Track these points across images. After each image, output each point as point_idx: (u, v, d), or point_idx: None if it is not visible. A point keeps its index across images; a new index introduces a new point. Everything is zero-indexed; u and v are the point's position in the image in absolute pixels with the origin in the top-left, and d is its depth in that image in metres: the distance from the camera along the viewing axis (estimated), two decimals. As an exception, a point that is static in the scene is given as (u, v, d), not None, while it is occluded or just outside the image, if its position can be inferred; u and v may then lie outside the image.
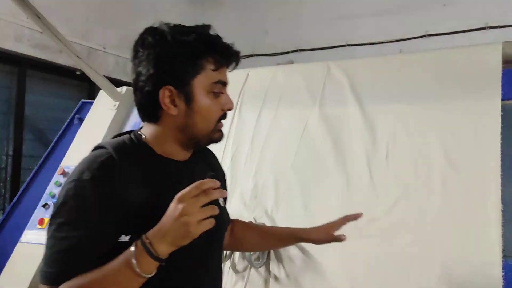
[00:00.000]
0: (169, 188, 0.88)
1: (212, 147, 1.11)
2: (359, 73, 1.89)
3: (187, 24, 1.02)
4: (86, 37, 3.65)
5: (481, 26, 3.48)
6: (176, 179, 0.97)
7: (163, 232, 0.79)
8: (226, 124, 2.03)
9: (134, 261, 0.78)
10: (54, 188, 2.16)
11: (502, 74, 1.58)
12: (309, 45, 4.11)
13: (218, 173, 1.16)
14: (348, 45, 4.01)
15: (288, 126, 1.88)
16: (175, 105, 0.95)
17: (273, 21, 4.18)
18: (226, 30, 1.05)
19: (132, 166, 0.92)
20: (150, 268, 0.80)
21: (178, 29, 0.97)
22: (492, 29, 3.45)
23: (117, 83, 2.78)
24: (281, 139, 1.86)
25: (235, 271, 1.65)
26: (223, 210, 1.11)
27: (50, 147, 2.50)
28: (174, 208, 0.79)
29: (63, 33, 2.12)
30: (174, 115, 0.96)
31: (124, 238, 0.86)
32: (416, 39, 3.71)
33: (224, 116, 1.01)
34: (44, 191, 2.18)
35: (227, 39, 1.00)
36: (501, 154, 1.44)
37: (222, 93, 1.00)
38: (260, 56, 4.23)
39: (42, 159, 2.47)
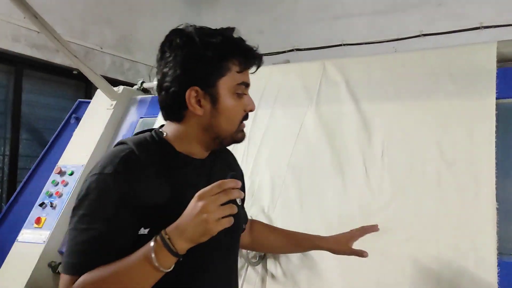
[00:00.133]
0: (188, 184, 0.91)
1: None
2: (355, 72, 1.90)
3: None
4: (83, 37, 3.65)
5: (476, 26, 3.50)
6: (194, 176, 1.00)
7: (182, 228, 0.81)
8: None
9: (153, 255, 0.80)
10: (51, 187, 2.16)
11: (497, 73, 1.59)
12: (305, 44, 4.12)
13: (237, 173, 1.18)
14: (344, 44, 4.02)
15: (285, 125, 1.89)
16: (200, 106, 0.97)
17: (268, 21, 4.19)
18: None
19: (153, 162, 0.94)
20: (168, 263, 0.81)
21: (204, 31, 0.99)
22: (486, 29, 3.47)
23: (114, 82, 2.79)
24: (278, 137, 1.87)
25: (233, 269, 1.66)
26: (240, 210, 1.13)
27: (46, 146, 2.50)
28: (194, 205, 0.81)
29: (60, 32, 2.13)
30: (199, 115, 0.98)
31: (143, 231, 0.89)
32: (411, 39, 3.73)
33: (246, 117, 1.04)
34: (41, 190, 2.18)
35: None
36: (495, 152, 1.46)
37: (245, 94, 1.03)
38: (257, 56, 4.22)
39: (38, 158, 2.47)
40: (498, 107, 1.53)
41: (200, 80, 0.96)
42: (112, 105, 2.40)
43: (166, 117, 1.03)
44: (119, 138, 2.32)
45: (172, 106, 1.00)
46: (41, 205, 2.10)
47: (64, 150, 2.31)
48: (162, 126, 1.06)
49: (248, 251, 1.57)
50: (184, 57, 0.96)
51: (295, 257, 1.59)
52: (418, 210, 1.49)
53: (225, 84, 0.98)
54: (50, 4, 3.21)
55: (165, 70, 0.98)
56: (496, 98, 1.55)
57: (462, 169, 1.49)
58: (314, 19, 4.19)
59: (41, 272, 1.94)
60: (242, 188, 1.14)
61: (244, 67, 1.00)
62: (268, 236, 1.37)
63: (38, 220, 2.05)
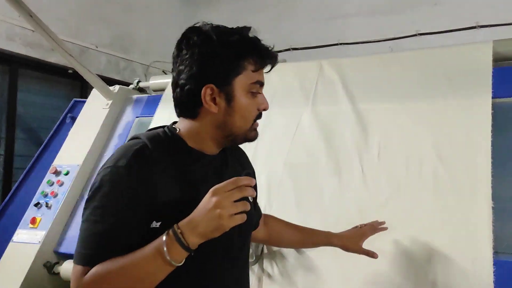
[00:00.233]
0: (199, 179, 0.92)
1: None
2: (351, 71, 1.90)
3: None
4: (79, 36, 3.63)
5: (472, 25, 3.51)
6: (206, 171, 1.01)
7: (195, 223, 0.81)
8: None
9: (165, 249, 0.80)
10: (46, 187, 2.15)
11: (493, 72, 1.60)
12: (301, 44, 4.12)
13: (250, 173, 1.21)
14: (340, 44, 4.03)
15: (281, 124, 1.89)
16: (215, 103, 0.98)
17: (265, 20, 4.19)
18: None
19: (165, 156, 0.95)
20: (180, 257, 0.82)
21: (221, 30, 1.00)
22: (482, 28, 3.48)
23: (110, 81, 2.77)
24: (274, 137, 1.87)
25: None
26: (252, 210, 1.14)
27: (42, 146, 2.49)
28: (208, 200, 0.82)
29: (55, 31, 2.11)
30: (213, 112, 0.98)
31: (155, 224, 0.90)
32: (407, 38, 3.74)
33: (259, 116, 1.05)
34: (36, 190, 2.16)
35: None
36: (491, 151, 1.46)
37: (259, 93, 1.04)
38: (253, 55, 4.22)
39: (34, 158, 2.46)
40: (494, 106, 1.54)
41: (215, 78, 0.97)
42: (107, 104, 2.39)
43: (179, 114, 1.05)
44: (115, 138, 2.32)
45: (187, 103, 1.00)
46: (36, 205, 2.09)
47: (59, 149, 2.30)
48: (175, 122, 1.07)
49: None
50: (200, 55, 0.97)
51: (291, 256, 1.59)
52: (415, 209, 1.49)
53: (240, 83, 0.99)
54: (45, 3, 3.20)
55: (181, 67, 0.99)
56: (492, 97, 1.56)
57: (458, 168, 1.49)
58: (310, 19, 4.19)
59: (37, 272, 1.93)
60: (254, 186, 1.17)
61: (260, 66, 1.01)
62: (283, 231, 1.41)
63: (33, 220, 2.04)
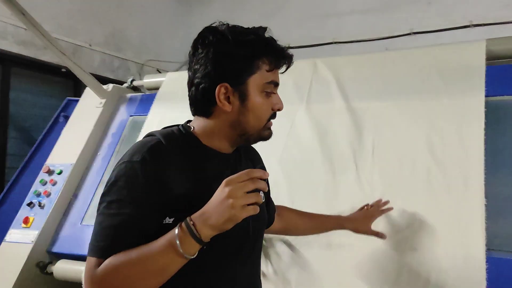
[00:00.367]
0: (213, 176, 0.93)
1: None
2: (346, 70, 1.90)
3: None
4: (72, 34, 3.60)
5: (466, 24, 3.52)
6: (219, 169, 1.02)
7: (208, 215, 0.82)
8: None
9: (177, 241, 0.81)
10: (39, 186, 2.14)
11: (486, 71, 1.61)
12: (296, 42, 4.11)
13: (262, 165, 1.25)
14: (335, 42, 4.03)
15: (275, 122, 1.87)
16: (229, 102, 0.99)
17: (259, 19, 4.16)
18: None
19: (179, 153, 0.97)
20: (192, 250, 0.82)
21: (237, 30, 1.01)
22: (476, 27, 3.49)
23: (104, 80, 2.76)
24: (269, 135, 1.86)
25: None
26: (263, 209, 1.16)
27: (35, 145, 2.48)
28: (221, 191, 0.82)
29: (48, 29, 2.10)
30: (227, 111, 0.99)
31: (168, 220, 0.90)
32: (402, 37, 3.74)
33: (273, 116, 1.06)
34: (29, 189, 2.15)
35: None
36: (484, 149, 1.47)
37: (274, 93, 1.05)
38: (248, 54, 4.21)
39: (27, 157, 2.45)
40: (487, 104, 1.55)
41: (230, 77, 0.98)
42: (101, 103, 2.38)
43: (194, 113, 1.06)
44: (109, 137, 2.31)
45: (202, 102, 1.01)
46: (29, 204, 2.08)
47: (52, 149, 2.29)
48: (189, 121, 1.08)
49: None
50: (215, 54, 0.98)
51: (286, 255, 1.59)
52: (408, 206, 1.50)
53: (255, 82, 0.99)
54: (38, 1, 3.17)
55: (196, 66, 1.01)
56: (485, 96, 1.56)
57: (452, 166, 1.50)
58: (305, 17, 4.18)
59: (29, 272, 1.92)
60: (266, 183, 1.19)
61: (274, 66, 1.02)
62: (297, 221, 1.43)
63: (26, 220, 2.03)
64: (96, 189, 2.12)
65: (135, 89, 2.62)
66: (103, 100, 2.38)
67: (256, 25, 1.05)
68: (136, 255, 0.84)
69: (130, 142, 2.18)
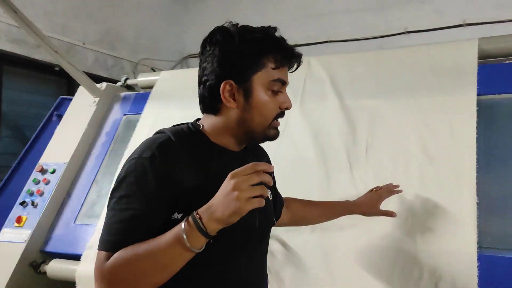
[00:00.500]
0: (221, 173, 0.92)
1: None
2: (339, 68, 1.91)
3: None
4: (65, 32, 3.58)
5: (459, 23, 3.55)
6: (227, 166, 1.00)
7: (214, 208, 0.82)
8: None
9: (184, 235, 0.81)
10: (32, 185, 2.13)
11: (478, 69, 1.62)
12: (290, 41, 4.11)
13: (268, 159, 1.25)
14: (330, 41, 4.04)
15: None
16: (234, 99, 1.00)
17: (254, 18, 4.18)
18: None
19: (188, 150, 0.98)
20: (199, 244, 0.83)
21: (245, 29, 1.02)
22: (469, 26, 3.52)
23: (98, 79, 2.75)
24: (263, 134, 1.87)
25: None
26: (270, 207, 1.16)
27: (28, 144, 2.46)
28: (226, 183, 0.83)
29: (40, 28, 2.09)
30: (232, 108, 1.01)
31: (176, 216, 0.92)
32: (396, 36, 3.76)
33: (281, 115, 1.05)
34: (22, 189, 2.14)
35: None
36: (476, 148, 1.48)
37: (281, 92, 1.04)
38: (242, 52, 4.21)
39: (20, 156, 2.43)
40: (479, 103, 1.56)
41: (234, 74, 0.99)
42: (95, 102, 2.37)
43: (203, 110, 1.07)
44: (102, 136, 2.31)
45: (209, 99, 1.03)
46: (22, 203, 2.07)
47: (45, 147, 2.28)
48: (199, 119, 1.10)
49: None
50: (221, 52, 1.00)
51: (280, 253, 1.60)
52: (401, 204, 1.50)
53: (259, 80, 1.00)
54: (30, -1, 3.15)
55: (204, 64, 1.03)
56: (477, 95, 1.57)
57: (444, 164, 1.51)
58: (300, 16, 4.19)
59: (22, 272, 1.92)
60: (273, 183, 1.25)
61: (280, 64, 1.02)
62: (305, 211, 1.43)
63: (19, 219, 2.02)
64: (90, 188, 2.11)
65: (129, 87, 2.61)
66: (97, 99, 2.37)
67: (251, 24, 1.05)
68: (144, 249, 0.85)
69: (124, 141, 2.18)
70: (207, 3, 4.77)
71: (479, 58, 1.66)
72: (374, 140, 1.68)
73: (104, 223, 0.92)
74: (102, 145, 2.27)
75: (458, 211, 1.41)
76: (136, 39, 4.32)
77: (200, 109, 1.08)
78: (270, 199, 1.16)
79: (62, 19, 3.57)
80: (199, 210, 0.83)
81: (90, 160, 2.22)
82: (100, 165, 2.18)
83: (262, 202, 0.82)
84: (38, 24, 2.07)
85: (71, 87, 3.60)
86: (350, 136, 1.72)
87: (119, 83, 2.59)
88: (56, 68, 3.37)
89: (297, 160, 1.76)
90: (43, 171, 2.16)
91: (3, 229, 2.01)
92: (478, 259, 1.32)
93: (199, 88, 1.06)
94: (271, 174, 1.27)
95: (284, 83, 1.04)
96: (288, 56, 1.03)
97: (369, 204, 1.40)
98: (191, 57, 4.84)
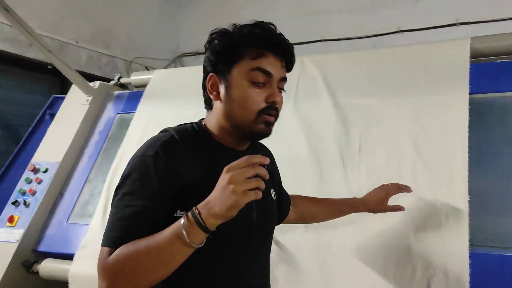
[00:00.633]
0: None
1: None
2: (332, 67, 1.91)
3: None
4: (58, 31, 3.55)
5: (452, 22, 3.56)
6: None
7: (212, 203, 0.82)
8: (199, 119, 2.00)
9: (183, 231, 0.82)
10: (24, 185, 2.12)
11: (470, 68, 1.63)
12: (284, 40, 4.12)
13: (273, 169, 1.24)
14: (323, 40, 4.04)
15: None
16: (218, 92, 1.02)
17: (248, 16, 4.16)
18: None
19: (191, 148, 0.99)
20: (199, 239, 0.83)
21: (234, 25, 1.04)
22: (462, 25, 3.53)
23: (91, 78, 2.73)
24: (256, 133, 1.87)
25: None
26: (274, 206, 1.15)
27: (20, 143, 2.45)
28: (222, 177, 0.83)
29: (33, 26, 2.08)
30: (217, 101, 1.03)
31: (179, 213, 0.93)
32: (389, 35, 3.77)
33: (269, 109, 1.00)
34: (14, 188, 2.13)
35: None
36: (468, 146, 1.49)
37: (267, 84, 1.00)
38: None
39: (12, 155, 2.42)
40: (471, 102, 1.57)
41: (216, 67, 1.02)
42: (87, 100, 2.36)
43: (205, 107, 1.10)
44: (96, 135, 2.30)
45: (204, 95, 1.08)
46: (14, 203, 2.06)
47: (38, 146, 2.26)
48: (203, 119, 1.11)
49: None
50: (209, 49, 1.04)
51: (273, 252, 1.58)
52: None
53: (239, 70, 1.00)
54: (22, -3, 3.12)
55: (203, 64, 1.08)
56: (469, 93, 1.58)
57: (436, 162, 1.52)
58: (293, 15, 4.19)
59: (15, 271, 1.91)
60: (279, 182, 1.28)
61: (259, 53, 0.99)
62: (311, 209, 1.43)
63: (11, 219, 2.01)
64: (83, 187, 2.10)
65: (123, 86, 2.60)
66: (90, 98, 2.36)
67: (245, 23, 1.04)
68: (144, 245, 0.85)
69: (117, 140, 2.17)
70: (201, 1, 4.76)
71: (472, 57, 1.67)
72: (367, 139, 1.68)
73: (108, 219, 0.94)
74: (95, 144, 2.26)
75: (451, 209, 1.42)
76: (130, 38, 4.29)
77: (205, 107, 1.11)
78: (274, 198, 1.16)
79: (55, 17, 3.54)
80: (198, 206, 0.84)
81: (83, 159, 2.22)
82: (93, 164, 2.17)
83: (259, 194, 0.82)
84: (30, 22, 2.05)
85: (64, 85, 3.57)
86: (343, 134, 1.73)
87: (112, 82, 2.58)
88: (49, 67, 3.34)
89: (290, 158, 1.76)
90: (35, 170, 2.15)
91: (-5, 229, 2.00)
92: (470, 257, 1.33)
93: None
94: (275, 172, 1.28)
95: (267, 73, 0.99)
96: (268, 44, 1.00)
97: (376, 201, 1.38)
98: (185, 55, 4.82)
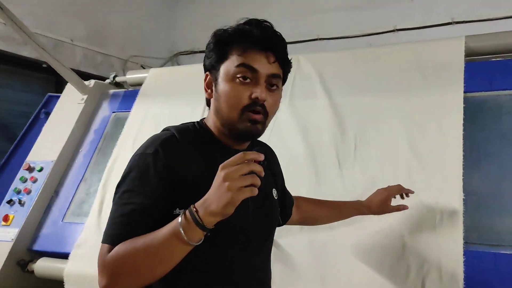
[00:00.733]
0: None
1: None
2: (328, 66, 1.91)
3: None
4: (52, 29, 3.53)
5: (448, 21, 3.57)
6: None
7: (209, 201, 0.82)
8: (196, 118, 2.01)
9: (181, 228, 0.82)
10: (19, 184, 2.11)
11: (465, 67, 1.63)
12: (280, 38, 4.12)
13: (274, 168, 1.24)
14: (319, 39, 4.05)
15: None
16: (212, 90, 1.05)
17: (244, 15, 4.17)
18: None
19: (191, 147, 1.01)
20: (196, 237, 0.83)
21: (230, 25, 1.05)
22: (458, 24, 3.55)
23: (87, 76, 2.72)
24: (252, 132, 1.86)
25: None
26: (275, 205, 1.15)
27: (15, 142, 2.44)
28: (217, 175, 0.83)
29: (27, 24, 2.07)
30: (210, 98, 1.06)
31: (178, 211, 0.93)
32: (385, 34, 3.78)
33: (252, 106, 0.98)
34: (9, 187, 2.12)
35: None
36: (463, 145, 1.49)
37: (253, 81, 0.98)
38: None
39: (7, 154, 2.41)
40: (465, 100, 1.57)
41: (208, 65, 1.05)
42: (83, 99, 2.35)
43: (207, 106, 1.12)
44: (91, 133, 2.29)
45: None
46: (9, 202, 2.05)
47: (33, 145, 2.25)
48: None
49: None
50: (205, 50, 1.07)
51: (269, 250, 1.60)
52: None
53: (226, 68, 1.00)
54: (17, -5, 3.10)
55: None
56: (464, 92, 1.59)
57: (431, 161, 1.52)
58: (289, 13, 4.19)
59: (10, 270, 1.90)
60: (281, 183, 1.28)
61: (244, 49, 0.98)
62: (316, 211, 1.43)
63: (6, 218, 2.00)
64: (78, 186, 2.10)
65: (118, 85, 2.59)
66: (85, 96, 2.35)
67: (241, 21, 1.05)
68: (142, 242, 0.86)
69: (113, 139, 2.17)
70: (194, 2, 4.75)
71: (466, 55, 1.67)
72: (363, 138, 1.68)
73: (109, 217, 0.94)
74: (90, 143, 2.25)
75: (445, 207, 1.43)
76: (125, 36, 4.28)
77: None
78: (276, 198, 1.15)
79: (50, 15, 3.53)
80: (196, 204, 0.84)
81: (78, 158, 2.21)
82: (89, 163, 2.16)
83: (255, 191, 0.81)
84: (25, 20, 2.04)
85: (59, 84, 3.55)
86: (338, 133, 1.73)
87: (107, 80, 2.58)
88: (44, 65, 3.33)
89: (285, 157, 1.73)
90: (30, 169, 2.14)
91: (-10, 228, 1.99)
92: (464, 255, 1.34)
93: None
94: (278, 172, 1.27)
95: (252, 69, 0.97)
96: (254, 40, 0.98)
97: (379, 203, 1.37)
98: (181, 54, 4.81)
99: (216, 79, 1.02)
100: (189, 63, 4.22)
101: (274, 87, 1.02)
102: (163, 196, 0.93)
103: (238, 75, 0.98)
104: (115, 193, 0.96)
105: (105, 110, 2.38)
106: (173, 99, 2.17)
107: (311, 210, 1.41)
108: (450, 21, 3.60)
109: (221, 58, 1.01)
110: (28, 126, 2.47)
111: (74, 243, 1.85)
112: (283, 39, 1.04)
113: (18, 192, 2.08)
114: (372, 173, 1.60)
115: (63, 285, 1.80)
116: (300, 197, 1.42)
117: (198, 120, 1.11)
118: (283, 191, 1.29)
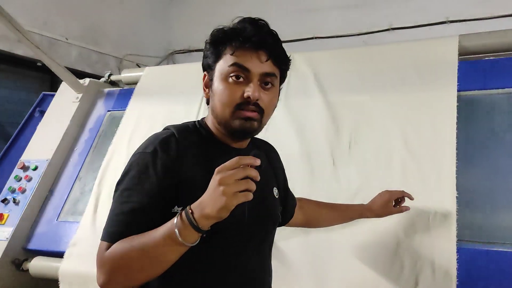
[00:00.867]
0: None
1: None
2: (323, 65, 1.92)
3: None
4: (47, 27, 3.52)
5: (442, 20, 3.59)
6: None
7: (204, 204, 0.82)
8: (191, 117, 2.00)
9: (176, 230, 0.82)
10: (13, 182, 2.10)
11: (458, 66, 1.64)
12: (276, 37, 4.12)
13: (275, 164, 1.24)
14: (315, 37, 4.05)
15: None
16: (208, 89, 1.06)
17: (240, 14, 4.17)
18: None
19: (191, 146, 1.01)
20: (192, 238, 0.83)
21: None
22: (452, 23, 3.57)
23: (82, 75, 2.71)
24: (247, 130, 1.87)
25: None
26: (276, 203, 1.15)
27: (10, 141, 2.43)
28: (213, 179, 0.83)
29: (21, 22, 2.06)
30: (207, 98, 1.07)
31: (176, 209, 0.94)
32: (381, 33, 3.80)
33: (243, 104, 0.98)
34: (4, 186, 2.11)
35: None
36: (456, 143, 1.51)
37: (246, 79, 0.99)
38: (228, 49, 4.20)
39: (1, 153, 2.40)
40: (459, 99, 1.58)
41: (206, 66, 1.06)
42: (77, 98, 2.34)
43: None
44: (86, 132, 2.28)
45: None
46: (3, 201, 2.04)
47: (28, 144, 2.25)
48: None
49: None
50: (204, 50, 1.08)
51: (264, 248, 1.60)
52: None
53: (220, 67, 1.01)
54: (11, -7, 3.08)
55: None
56: (458, 90, 1.60)
57: (425, 159, 1.53)
58: (285, 12, 4.20)
59: (5, 269, 1.89)
60: (284, 180, 1.27)
61: (236, 48, 0.98)
62: (319, 213, 1.42)
63: (0, 217, 1.99)
64: (73, 185, 2.09)
65: (113, 83, 2.58)
66: (80, 95, 2.34)
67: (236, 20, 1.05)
68: (138, 241, 0.86)
69: (108, 138, 2.16)
70: (190, 1, 4.74)
71: (460, 54, 1.69)
72: (357, 136, 1.69)
73: (108, 215, 0.95)
74: (85, 141, 2.24)
75: (438, 205, 1.44)
76: (121, 34, 4.27)
77: None
78: (277, 197, 1.15)
79: (44, 13, 3.51)
80: (192, 205, 0.84)
81: (73, 157, 2.20)
82: (84, 162, 2.16)
83: (249, 196, 0.81)
84: (19, 19, 2.03)
85: (54, 83, 3.54)
86: (333, 132, 1.74)
87: (102, 79, 2.57)
88: (39, 64, 3.31)
89: (280, 155, 1.75)
90: (25, 168, 2.13)
91: (-16, 227, 1.99)
92: (457, 252, 1.35)
93: None
94: (280, 171, 1.27)
95: (244, 68, 0.97)
96: (245, 39, 0.98)
97: (382, 205, 1.38)
98: (176, 53, 4.81)
99: (212, 79, 1.03)
100: (184, 62, 4.22)
101: (269, 85, 1.01)
102: (162, 195, 0.93)
103: (231, 75, 0.98)
104: (115, 191, 0.97)
105: (100, 108, 2.37)
106: (169, 97, 2.16)
107: (314, 212, 1.41)
108: (444, 20, 3.62)
109: (216, 57, 1.03)
110: (22, 124, 2.46)
111: (69, 241, 1.85)
112: (277, 37, 1.03)
113: (13, 191, 2.07)
114: (366, 171, 1.61)
115: (58, 284, 1.80)
116: (303, 198, 1.42)
117: (199, 119, 1.11)
118: (285, 190, 1.28)
